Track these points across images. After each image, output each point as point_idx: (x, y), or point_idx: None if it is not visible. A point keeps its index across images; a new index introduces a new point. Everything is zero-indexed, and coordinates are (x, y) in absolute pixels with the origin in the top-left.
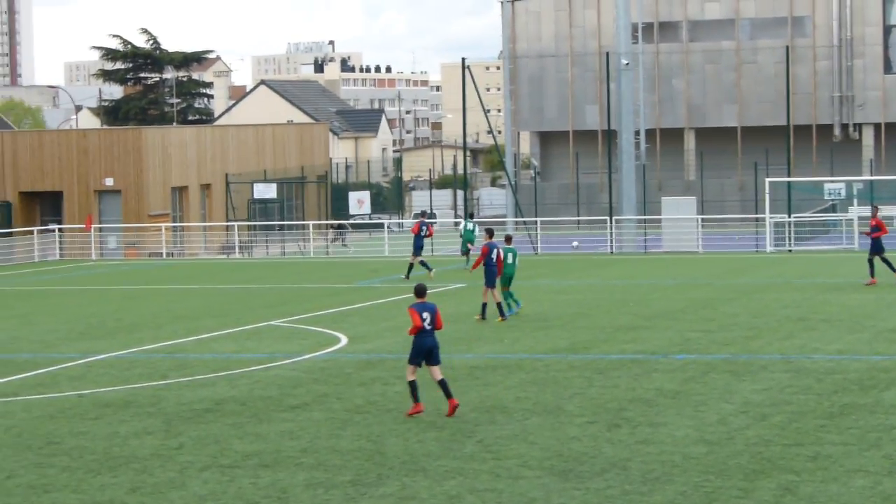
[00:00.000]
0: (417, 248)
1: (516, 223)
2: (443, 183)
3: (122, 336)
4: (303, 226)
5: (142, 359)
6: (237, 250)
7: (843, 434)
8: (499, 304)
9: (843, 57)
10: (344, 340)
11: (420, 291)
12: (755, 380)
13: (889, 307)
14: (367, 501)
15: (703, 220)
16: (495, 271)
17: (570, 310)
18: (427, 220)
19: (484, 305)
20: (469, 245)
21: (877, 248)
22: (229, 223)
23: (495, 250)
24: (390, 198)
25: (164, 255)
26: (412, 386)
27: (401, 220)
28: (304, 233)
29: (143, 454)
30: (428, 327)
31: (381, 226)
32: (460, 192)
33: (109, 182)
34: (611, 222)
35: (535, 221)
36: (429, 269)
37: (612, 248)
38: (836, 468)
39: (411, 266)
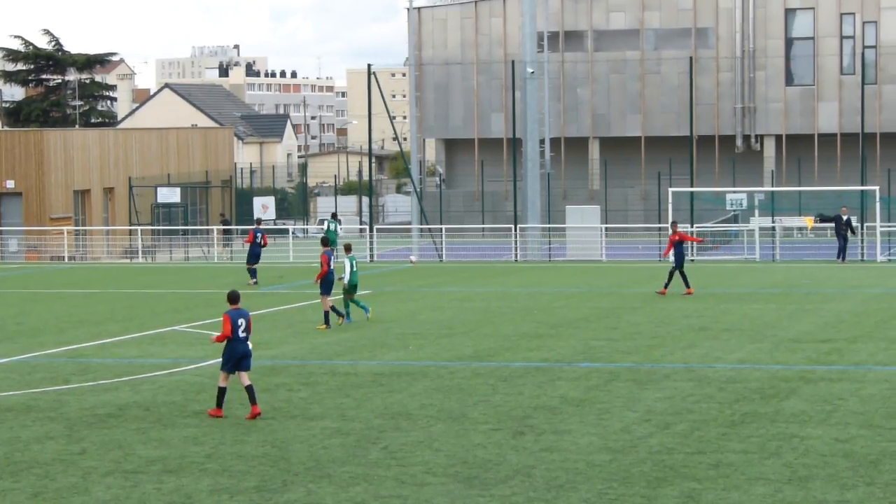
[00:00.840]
0: (253, 257)
1: (421, 230)
2: (348, 189)
3: (23, 340)
4: (207, 230)
5: (43, 363)
6: (140, 255)
7: (744, 442)
8: (327, 312)
9: (745, 69)
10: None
11: (233, 298)
12: (658, 388)
13: (789, 317)
14: None
15: (606, 228)
16: (332, 280)
17: (475, 317)
18: (261, 228)
19: (326, 314)
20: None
21: (679, 261)
22: (133, 227)
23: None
24: (295, 203)
25: (67, 259)
26: (220, 391)
27: (305, 226)
28: (209, 237)
29: (45, 459)
30: (242, 335)
31: (285, 231)
32: (366, 199)
33: (10, 184)
34: (515, 230)
35: (441, 229)
36: (253, 278)
37: (516, 256)
38: (737, 476)
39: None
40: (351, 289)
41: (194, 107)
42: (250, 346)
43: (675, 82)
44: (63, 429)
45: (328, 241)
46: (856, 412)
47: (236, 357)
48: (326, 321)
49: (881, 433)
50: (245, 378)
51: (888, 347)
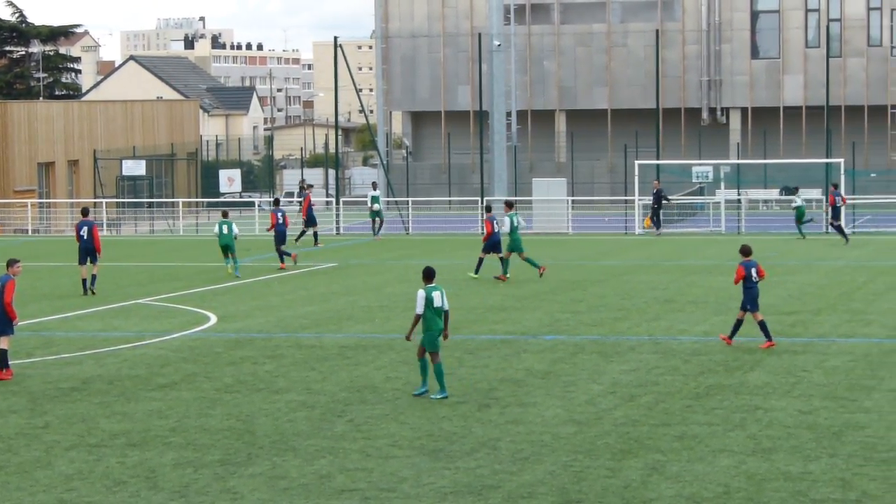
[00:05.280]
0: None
1: (388, 203)
2: (315, 161)
3: None
4: (172, 203)
5: None
6: (105, 227)
7: (708, 414)
8: (84, 280)
9: (711, 41)
10: (213, 319)
11: (8, 264)
12: (623, 360)
13: None
14: (236, 481)
15: (573, 201)
16: (81, 247)
17: None
18: (281, 209)
19: (84, 281)
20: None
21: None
22: (97, 200)
23: (84, 228)
24: (261, 176)
25: (30, 232)
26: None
27: (271, 199)
28: (174, 210)
29: (7, 433)
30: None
31: (251, 204)
32: (332, 171)
33: None
34: (482, 203)
35: (407, 201)
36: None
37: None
38: (701, 448)
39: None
40: (223, 249)
41: (159, 79)
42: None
43: (642, 55)
44: (26, 402)
45: (87, 211)
46: (819, 384)
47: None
48: (85, 288)
49: (844, 405)
50: (4, 342)
51: (851, 319)
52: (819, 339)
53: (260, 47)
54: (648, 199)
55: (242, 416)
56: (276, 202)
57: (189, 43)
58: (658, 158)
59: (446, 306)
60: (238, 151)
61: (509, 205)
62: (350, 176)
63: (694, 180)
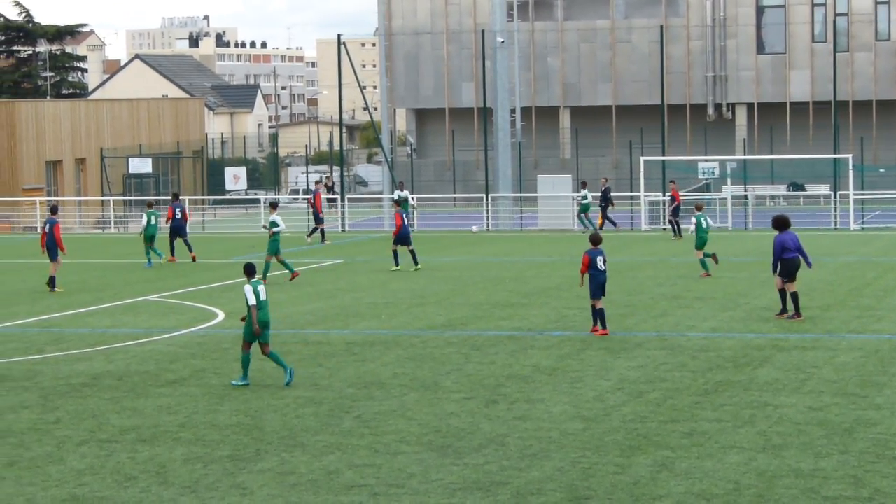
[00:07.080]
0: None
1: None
2: (319, 159)
3: None
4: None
5: (17, 333)
6: (112, 225)
7: (717, 411)
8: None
9: (716, 37)
10: (221, 315)
11: None
12: (631, 357)
13: (762, 285)
14: (245, 476)
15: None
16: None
17: (447, 286)
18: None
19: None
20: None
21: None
22: (104, 197)
23: (47, 225)
24: (266, 173)
25: (39, 230)
26: None
27: (277, 196)
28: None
29: (19, 428)
30: None
31: (257, 201)
32: (337, 168)
33: None
34: (487, 199)
35: (412, 198)
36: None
37: (487, 226)
38: (710, 444)
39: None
40: (149, 239)
41: (165, 77)
42: None
43: (646, 51)
44: (37, 398)
45: (54, 209)
46: (829, 380)
47: None
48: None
49: (855, 401)
50: None
51: (861, 315)
52: (829, 336)
53: (264, 45)
54: (655, 195)
55: (251, 411)
56: (175, 196)
57: (194, 41)
58: (663, 154)
59: (252, 301)
60: (243, 149)
61: (273, 206)
62: (354, 173)
63: (700, 176)
